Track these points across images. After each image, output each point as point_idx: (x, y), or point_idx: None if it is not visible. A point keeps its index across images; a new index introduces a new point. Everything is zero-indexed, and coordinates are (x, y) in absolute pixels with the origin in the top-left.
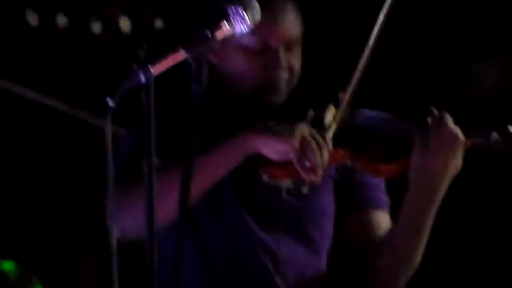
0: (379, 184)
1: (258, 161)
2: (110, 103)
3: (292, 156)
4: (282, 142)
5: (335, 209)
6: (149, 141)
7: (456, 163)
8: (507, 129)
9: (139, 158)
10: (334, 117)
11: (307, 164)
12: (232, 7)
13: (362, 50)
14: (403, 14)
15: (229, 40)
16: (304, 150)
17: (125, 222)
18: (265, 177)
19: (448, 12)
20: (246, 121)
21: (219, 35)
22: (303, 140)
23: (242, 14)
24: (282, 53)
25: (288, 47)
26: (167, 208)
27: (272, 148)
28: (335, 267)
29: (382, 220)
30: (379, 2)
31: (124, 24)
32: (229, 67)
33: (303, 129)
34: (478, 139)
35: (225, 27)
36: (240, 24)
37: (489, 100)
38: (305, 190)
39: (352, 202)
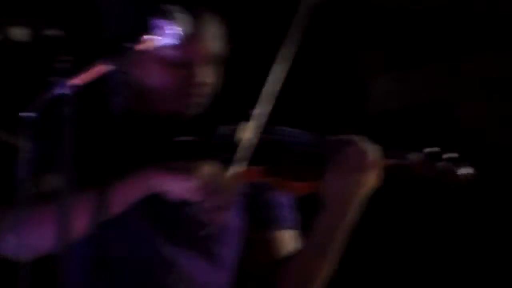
0: (287, 202)
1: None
2: (28, 115)
3: (194, 196)
4: (183, 182)
5: (245, 225)
6: (69, 156)
7: (368, 183)
8: (423, 151)
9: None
10: (246, 134)
11: (210, 204)
12: (157, 20)
13: (271, 68)
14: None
15: (149, 54)
16: (206, 191)
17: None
18: None
19: (347, 26)
20: (157, 136)
21: (143, 47)
22: (205, 180)
23: (167, 27)
24: (201, 68)
25: (208, 63)
26: (44, 238)
27: (173, 188)
28: (242, 284)
29: (287, 240)
30: (287, 21)
31: (19, 33)
32: (144, 78)
33: (206, 169)
34: (394, 160)
35: (150, 39)
36: (165, 37)
37: (384, 112)
38: (215, 230)
39: (258, 220)
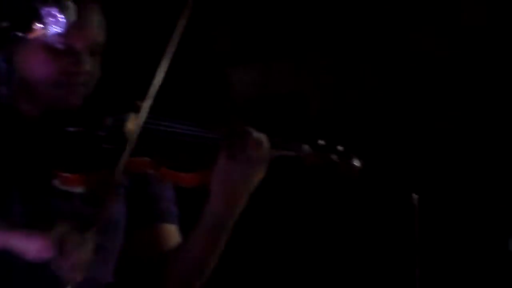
0: (170, 195)
1: (51, 165)
2: None
3: (49, 254)
4: (36, 241)
5: (126, 219)
6: None
7: (259, 173)
8: (317, 143)
9: None
10: (133, 125)
11: (69, 262)
12: (46, 8)
13: (160, 59)
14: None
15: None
16: (61, 250)
17: None
18: (56, 181)
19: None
20: (38, 123)
21: (31, 36)
22: (61, 239)
23: (55, 15)
24: (84, 57)
25: (91, 52)
26: None
27: (26, 247)
28: (124, 278)
29: (171, 233)
30: (176, 13)
31: None
32: (28, 64)
33: (61, 227)
34: (286, 151)
35: (38, 28)
36: (53, 26)
37: (248, 101)
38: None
39: (142, 215)
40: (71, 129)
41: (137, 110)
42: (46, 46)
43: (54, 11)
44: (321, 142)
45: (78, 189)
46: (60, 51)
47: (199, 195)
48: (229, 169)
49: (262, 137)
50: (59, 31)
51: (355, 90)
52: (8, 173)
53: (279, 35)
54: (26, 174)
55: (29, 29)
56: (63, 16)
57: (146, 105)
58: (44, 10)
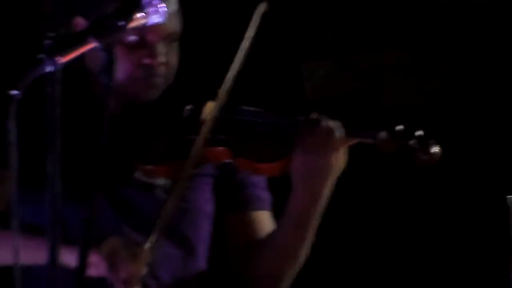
0: (260, 182)
1: (133, 157)
2: (15, 93)
3: (103, 268)
4: (89, 256)
5: (215, 208)
6: (54, 136)
7: (337, 161)
8: (395, 129)
9: None
10: (211, 112)
11: (121, 276)
12: None
13: (237, 48)
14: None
15: None
16: (114, 264)
17: None
18: (138, 174)
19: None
20: (119, 118)
21: (133, 24)
22: (113, 253)
23: (156, 5)
24: (159, 48)
25: (166, 42)
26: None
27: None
28: (217, 267)
29: (264, 220)
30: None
31: None
32: (103, 59)
33: (112, 241)
34: (362, 138)
35: (139, 16)
36: (154, 14)
37: (320, 97)
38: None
39: (233, 202)
40: (150, 120)
41: (215, 97)
42: (120, 40)
43: (155, 0)
44: (398, 128)
45: (160, 181)
46: (135, 45)
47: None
48: (305, 158)
49: (335, 124)
50: (159, 20)
51: (431, 87)
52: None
53: (353, 30)
54: (108, 168)
55: (130, 18)
56: (164, 6)
57: (221, 93)
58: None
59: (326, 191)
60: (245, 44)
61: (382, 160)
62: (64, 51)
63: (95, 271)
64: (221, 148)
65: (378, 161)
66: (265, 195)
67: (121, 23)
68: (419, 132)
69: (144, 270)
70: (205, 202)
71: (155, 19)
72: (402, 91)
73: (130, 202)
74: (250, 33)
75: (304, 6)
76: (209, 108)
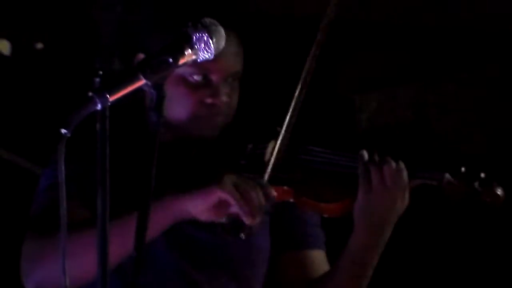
0: (315, 220)
1: None
2: (64, 131)
3: (227, 203)
4: (211, 194)
5: (270, 246)
6: (104, 173)
7: (401, 202)
8: (460, 170)
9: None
10: (274, 153)
11: (245, 208)
12: (197, 33)
13: (296, 85)
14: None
15: None
16: (239, 195)
17: (38, 276)
18: None
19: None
20: (179, 154)
21: (182, 61)
22: (236, 185)
23: (206, 41)
24: (222, 87)
25: (229, 81)
26: (83, 267)
27: (203, 205)
28: None
29: (319, 259)
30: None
31: (3, 46)
32: (166, 97)
33: (231, 176)
34: (426, 180)
35: (188, 53)
36: (204, 51)
37: (370, 128)
38: (243, 235)
39: (288, 240)
40: (211, 158)
41: (277, 136)
42: (184, 78)
43: (205, 36)
44: (463, 169)
45: (223, 219)
46: (197, 84)
47: (346, 218)
48: (370, 199)
49: (400, 165)
50: (209, 57)
51: (483, 116)
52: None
53: (404, 60)
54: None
55: (180, 54)
56: (213, 42)
57: (284, 132)
58: (196, 36)
59: (389, 231)
60: (304, 79)
61: (447, 200)
62: (113, 89)
63: (215, 213)
64: (284, 187)
65: (442, 201)
66: (320, 234)
67: (170, 60)
68: (484, 174)
69: (273, 194)
70: (264, 240)
71: (204, 55)
72: (453, 119)
73: (190, 239)
74: (309, 68)
75: (349, 37)
76: (272, 148)
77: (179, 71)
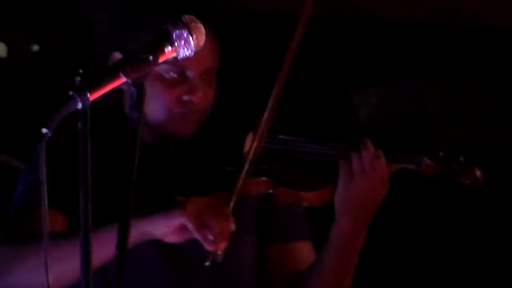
0: (300, 212)
1: (173, 190)
2: (44, 130)
3: (190, 229)
4: (172, 218)
5: (255, 237)
6: (85, 173)
7: (381, 188)
8: (437, 153)
9: (35, 202)
10: (253, 144)
11: (209, 236)
12: (177, 30)
13: (276, 76)
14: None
15: None
16: (202, 222)
17: (13, 278)
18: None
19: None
20: (157, 152)
21: (162, 59)
22: (199, 212)
23: (186, 37)
24: (198, 83)
25: (205, 77)
26: (66, 273)
27: (165, 228)
28: None
29: (305, 251)
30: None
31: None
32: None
33: (196, 201)
34: (405, 164)
35: (168, 50)
36: (183, 48)
37: (370, 125)
38: (208, 263)
39: (273, 233)
40: (190, 153)
41: (255, 129)
42: (160, 76)
43: (185, 33)
44: (441, 153)
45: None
46: (174, 81)
47: (329, 207)
48: (350, 186)
49: (378, 151)
50: (189, 54)
51: (483, 113)
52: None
53: (400, 56)
54: (148, 202)
55: (160, 51)
56: (193, 39)
57: (263, 124)
58: (175, 33)
59: (370, 218)
60: (283, 71)
61: (427, 184)
62: (93, 87)
63: (179, 237)
64: (263, 178)
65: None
66: (305, 225)
67: (150, 57)
68: (463, 157)
69: (232, 226)
70: (249, 232)
71: (185, 52)
72: (455, 114)
73: (177, 249)
74: (286, 60)
75: (346, 33)
76: (250, 140)
77: (155, 68)
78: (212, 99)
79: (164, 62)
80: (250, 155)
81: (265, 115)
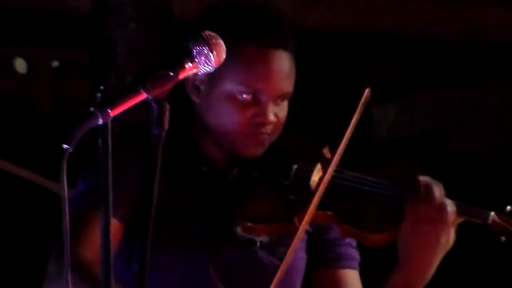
0: (351, 240)
1: (234, 213)
2: (66, 146)
3: None
4: None
5: (306, 263)
6: (106, 187)
7: (447, 238)
8: (505, 209)
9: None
10: (321, 178)
11: None
12: (197, 46)
13: (354, 106)
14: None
15: (216, 83)
16: None
17: None
18: (239, 229)
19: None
20: (224, 171)
21: (182, 75)
22: None
23: (207, 54)
24: (271, 107)
25: (279, 101)
26: None
27: None
28: None
29: (352, 279)
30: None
31: (19, 65)
32: (213, 111)
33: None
34: (472, 218)
35: (189, 66)
36: (204, 65)
37: (388, 141)
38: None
39: (323, 257)
40: (256, 175)
41: (323, 160)
42: (233, 96)
43: (206, 50)
44: (509, 208)
45: (260, 238)
46: (246, 103)
47: None
48: (414, 232)
49: (447, 202)
50: (209, 70)
51: (501, 124)
52: (191, 212)
53: (421, 71)
54: (207, 217)
55: (180, 68)
56: (214, 55)
57: (336, 158)
58: (196, 49)
59: (432, 267)
60: (354, 120)
61: (493, 236)
62: (114, 104)
63: None
64: (328, 212)
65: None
66: (355, 255)
67: (170, 73)
68: None
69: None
70: (300, 260)
71: (205, 68)
72: (472, 127)
73: (227, 256)
74: (356, 118)
75: (363, 49)
76: (319, 171)
77: (228, 88)
78: (283, 122)
79: (185, 78)
80: (319, 188)
81: (340, 149)
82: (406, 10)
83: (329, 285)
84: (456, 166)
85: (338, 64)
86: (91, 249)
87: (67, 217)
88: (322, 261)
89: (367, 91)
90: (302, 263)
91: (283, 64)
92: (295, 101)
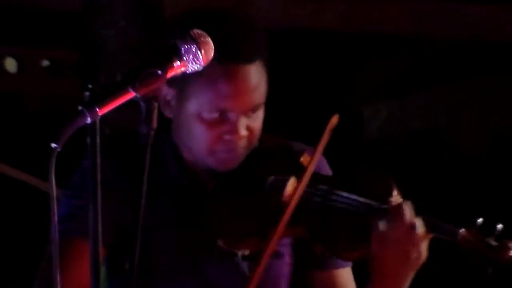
0: None
1: (213, 228)
2: (54, 145)
3: None
4: None
5: (294, 265)
6: (95, 187)
7: (419, 255)
8: (476, 224)
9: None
10: (295, 190)
11: None
12: (185, 44)
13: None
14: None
15: (184, 101)
16: None
17: None
18: (219, 242)
19: (339, 55)
20: (204, 183)
21: (170, 73)
22: None
23: (195, 52)
24: (241, 121)
25: (250, 113)
26: None
27: None
28: None
29: (346, 277)
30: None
31: (10, 64)
32: (183, 129)
33: None
34: (442, 235)
35: (177, 65)
36: (192, 63)
37: (378, 139)
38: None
39: (317, 259)
40: (232, 188)
41: (299, 172)
42: (200, 116)
43: (194, 48)
44: (479, 221)
45: (240, 251)
46: (214, 121)
47: None
48: (383, 251)
49: (416, 222)
50: (198, 68)
51: (493, 124)
52: (170, 225)
53: (412, 70)
54: (187, 231)
55: (169, 66)
56: (202, 54)
57: (308, 172)
58: (184, 47)
59: (407, 281)
60: (330, 127)
61: (464, 255)
62: (102, 103)
63: None
64: (300, 228)
65: (460, 257)
66: None
67: (159, 72)
68: (500, 226)
69: None
70: (284, 266)
71: (193, 67)
72: (464, 127)
73: (208, 269)
74: (323, 143)
75: (354, 49)
76: (292, 186)
77: (194, 107)
78: (258, 132)
79: (173, 76)
80: (292, 201)
81: (313, 162)
82: (397, 9)
83: (324, 285)
84: (447, 165)
85: (329, 63)
86: (72, 279)
87: (56, 217)
88: (316, 263)
89: (334, 118)
90: (286, 269)
91: (248, 78)
92: (284, 100)
